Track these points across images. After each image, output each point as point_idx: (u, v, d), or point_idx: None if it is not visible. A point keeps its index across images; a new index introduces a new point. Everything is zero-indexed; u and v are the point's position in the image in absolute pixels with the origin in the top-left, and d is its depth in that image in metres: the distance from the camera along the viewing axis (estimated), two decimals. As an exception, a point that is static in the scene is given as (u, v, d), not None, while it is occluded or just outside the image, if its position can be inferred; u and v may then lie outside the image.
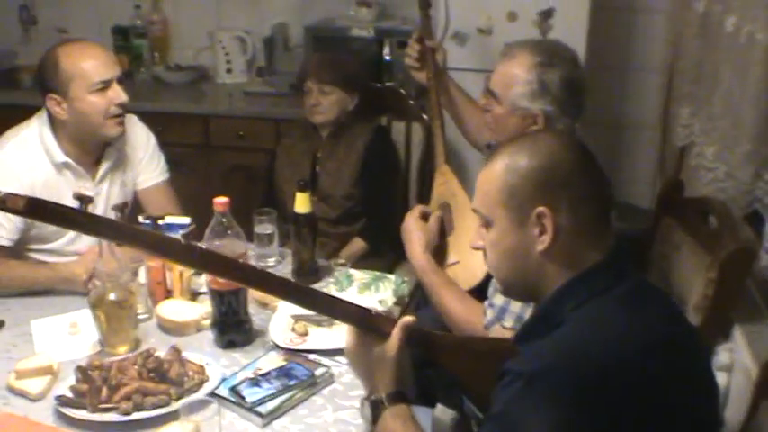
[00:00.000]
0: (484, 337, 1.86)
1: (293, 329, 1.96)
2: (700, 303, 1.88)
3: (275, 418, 1.67)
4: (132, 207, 2.45)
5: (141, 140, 2.47)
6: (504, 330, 1.82)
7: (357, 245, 2.79)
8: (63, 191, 2.21)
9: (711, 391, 1.35)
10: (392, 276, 2.27)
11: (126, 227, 1.47)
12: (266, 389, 1.71)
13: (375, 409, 1.41)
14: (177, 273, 2.08)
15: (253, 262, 2.23)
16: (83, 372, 1.70)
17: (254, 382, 1.74)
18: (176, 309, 2.02)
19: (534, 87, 1.98)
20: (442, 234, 2.21)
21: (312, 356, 1.86)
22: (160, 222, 2.19)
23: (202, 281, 2.10)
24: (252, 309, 1.99)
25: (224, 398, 1.69)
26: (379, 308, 2.02)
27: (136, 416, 1.62)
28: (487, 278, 1.98)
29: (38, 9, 4.20)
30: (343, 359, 1.76)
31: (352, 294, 2.14)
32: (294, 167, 2.86)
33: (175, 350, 1.78)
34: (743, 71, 2.19)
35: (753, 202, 2.17)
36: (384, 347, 1.41)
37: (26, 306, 2.10)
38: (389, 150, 2.96)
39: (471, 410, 1.74)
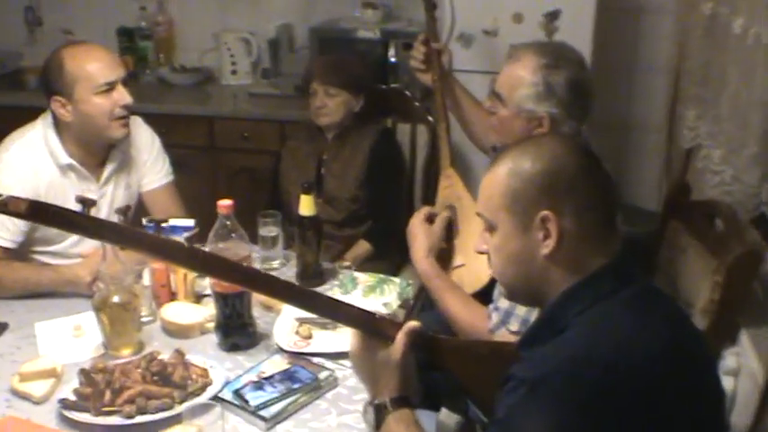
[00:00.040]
0: (488, 341, 1.85)
1: (297, 332, 1.95)
2: (706, 307, 1.87)
3: (279, 422, 1.66)
4: (137, 209, 2.45)
5: (146, 142, 2.46)
6: (509, 334, 1.81)
7: (362, 247, 2.77)
8: (67, 193, 2.21)
9: (717, 396, 1.34)
10: (397, 279, 2.26)
11: (128, 230, 1.47)
12: (270, 392, 1.70)
13: (379, 413, 1.41)
14: (181, 275, 2.07)
15: (257, 265, 2.23)
16: (86, 375, 1.70)
17: (258, 385, 1.73)
18: (180, 311, 2.02)
19: (540, 89, 1.96)
20: (449, 236, 2.21)
21: (316, 360, 1.85)
22: (164, 225, 2.18)
23: (206, 283, 2.09)
24: (256, 312, 1.98)
25: (227, 401, 1.68)
26: (384, 311, 2.02)
27: (139, 419, 1.62)
28: (493, 281, 1.96)
29: (43, 10, 4.21)
30: (347, 363, 1.75)
31: (356, 297, 2.14)
32: (299, 169, 2.85)
33: (179, 353, 1.78)
34: (750, 73, 2.18)
35: (759, 205, 2.17)
36: (388, 352, 1.41)
37: (30, 308, 2.10)
38: (395, 152, 2.95)
39: (476, 415, 1.73)
